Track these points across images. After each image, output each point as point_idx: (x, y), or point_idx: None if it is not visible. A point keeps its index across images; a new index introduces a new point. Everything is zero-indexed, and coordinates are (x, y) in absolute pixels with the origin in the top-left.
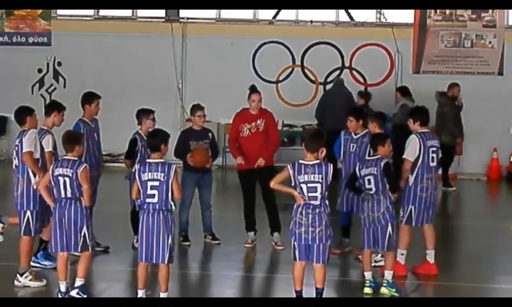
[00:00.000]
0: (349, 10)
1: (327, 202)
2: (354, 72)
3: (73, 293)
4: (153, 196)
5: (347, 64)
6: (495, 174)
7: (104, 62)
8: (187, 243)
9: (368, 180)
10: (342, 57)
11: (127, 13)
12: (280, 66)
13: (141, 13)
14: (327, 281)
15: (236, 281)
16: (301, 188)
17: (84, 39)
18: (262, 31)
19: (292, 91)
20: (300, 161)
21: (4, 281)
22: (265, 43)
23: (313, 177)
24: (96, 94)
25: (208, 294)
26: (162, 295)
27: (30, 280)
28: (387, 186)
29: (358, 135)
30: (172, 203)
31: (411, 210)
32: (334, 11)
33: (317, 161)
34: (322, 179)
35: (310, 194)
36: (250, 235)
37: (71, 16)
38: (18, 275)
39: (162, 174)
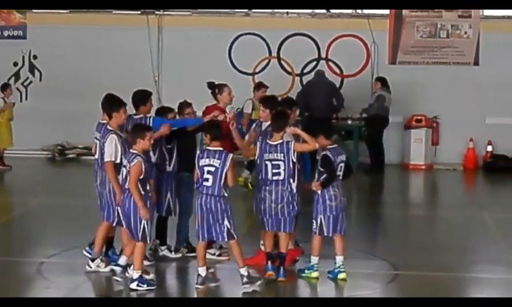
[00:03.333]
0: None
1: (291, 181)
2: (330, 63)
3: (133, 285)
4: (207, 179)
5: (323, 56)
6: (471, 164)
7: (79, 55)
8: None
9: (341, 166)
10: (319, 48)
11: None
12: (256, 58)
13: None
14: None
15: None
16: (266, 165)
17: (59, 32)
18: (238, 23)
19: (269, 83)
20: (267, 140)
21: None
22: (241, 35)
23: (276, 155)
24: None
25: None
26: (242, 270)
27: (98, 266)
28: None
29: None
30: (225, 189)
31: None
32: None
33: (280, 141)
34: (284, 157)
35: (274, 171)
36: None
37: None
38: (89, 261)
39: (218, 161)
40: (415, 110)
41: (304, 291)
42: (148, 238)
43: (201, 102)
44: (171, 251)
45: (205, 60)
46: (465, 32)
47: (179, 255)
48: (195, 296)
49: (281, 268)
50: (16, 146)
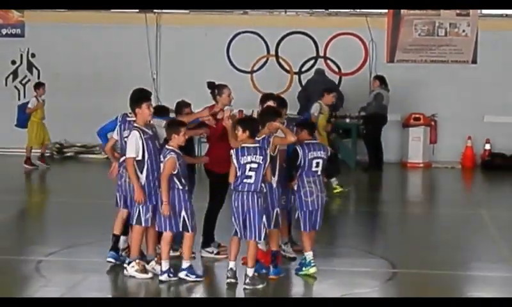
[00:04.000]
0: None
1: (272, 175)
2: (328, 61)
3: (182, 274)
4: (250, 177)
5: (321, 54)
6: (470, 162)
7: (77, 54)
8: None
9: (317, 163)
10: (317, 46)
11: None
12: (254, 56)
13: None
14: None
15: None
16: None
17: (57, 31)
18: (236, 21)
19: (267, 81)
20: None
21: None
22: (239, 33)
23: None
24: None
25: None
26: (249, 270)
27: (136, 270)
28: None
29: None
30: (262, 185)
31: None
32: None
33: (263, 136)
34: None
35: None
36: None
37: None
38: (126, 265)
39: (261, 158)
40: (413, 108)
41: (302, 290)
42: (190, 229)
43: (199, 100)
44: None
45: (203, 58)
46: (463, 31)
47: (177, 253)
48: (193, 296)
49: (271, 265)
50: (15, 144)
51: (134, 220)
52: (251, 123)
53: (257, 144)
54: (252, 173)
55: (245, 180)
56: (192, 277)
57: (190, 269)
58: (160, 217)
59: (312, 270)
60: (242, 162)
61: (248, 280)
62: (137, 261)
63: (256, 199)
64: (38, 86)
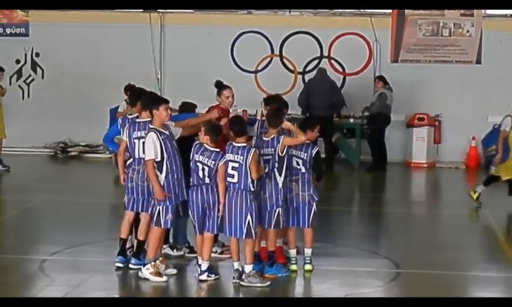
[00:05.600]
0: None
1: (277, 174)
2: (332, 61)
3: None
4: (233, 176)
5: (325, 54)
6: (474, 162)
7: (82, 53)
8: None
9: (297, 161)
10: (321, 46)
11: None
12: (258, 56)
13: None
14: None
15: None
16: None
17: (61, 30)
18: (240, 21)
19: (271, 81)
20: (262, 137)
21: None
22: (243, 33)
23: (267, 150)
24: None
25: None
26: (246, 267)
27: (150, 273)
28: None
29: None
30: (251, 184)
31: None
32: None
33: (272, 136)
34: (274, 151)
35: (265, 165)
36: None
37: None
38: (142, 266)
39: (242, 157)
40: (417, 108)
41: (306, 290)
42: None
43: (203, 100)
44: (173, 249)
45: (207, 58)
46: (467, 31)
47: (181, 253)
48: (195, 295)
49: (267, 264)
50: (19, 143)
51: (154, 222)
52: (233, 123)
53: (242, 145)
54: (234, 172)
55: (229, 179)
56: (213, 277)
57: (210, 270)
58: (214, 219)
59: (292, 267)
60: (226, 158)
61: (243, 276)
62: (152, 263)
63: (240, 197)
64: (126, 89)
